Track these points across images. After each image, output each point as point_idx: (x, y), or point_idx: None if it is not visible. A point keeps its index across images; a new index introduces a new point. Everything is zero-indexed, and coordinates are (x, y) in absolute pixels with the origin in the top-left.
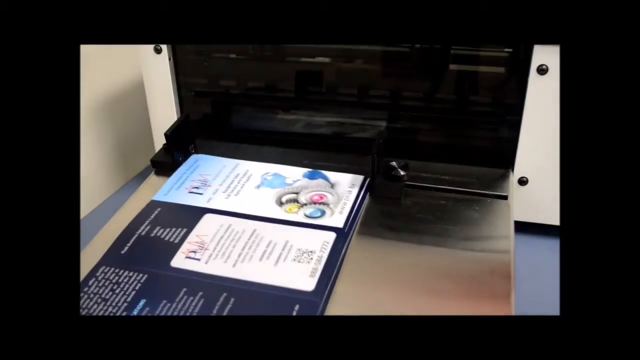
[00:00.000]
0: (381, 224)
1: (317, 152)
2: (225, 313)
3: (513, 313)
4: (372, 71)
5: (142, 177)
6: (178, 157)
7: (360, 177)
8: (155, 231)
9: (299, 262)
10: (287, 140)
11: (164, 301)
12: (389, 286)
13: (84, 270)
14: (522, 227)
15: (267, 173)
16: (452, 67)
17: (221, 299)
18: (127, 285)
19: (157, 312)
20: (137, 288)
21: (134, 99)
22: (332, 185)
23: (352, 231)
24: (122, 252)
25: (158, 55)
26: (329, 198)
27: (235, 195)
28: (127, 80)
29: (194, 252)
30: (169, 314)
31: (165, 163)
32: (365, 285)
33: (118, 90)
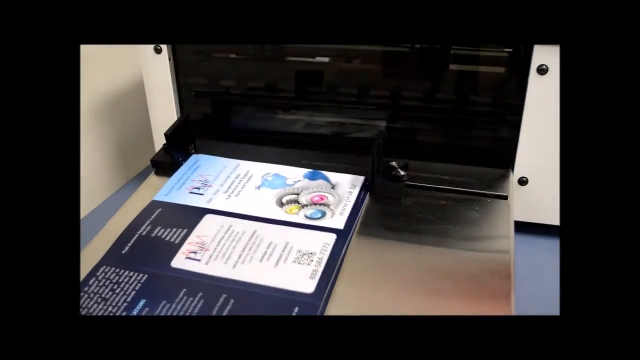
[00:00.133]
0: (381, 224)
1: (317, 152)
2: (224, 314)
3: (513, 313)
4: (372, 71)
5: (142, 177)
6: (178, 157)
7: (361, 178)
8: (155, 231)
9: (299, 263)
10: (287, 140)
11: (164, 301)
12: (389, 286)
13: (84, 270)
14: (522, 227)
15: (267, 173)
16: (452, 67)
17: (221, 300)
18: (127, 285)
19: (156, 312)
20: (137, 288)
21: (134, 99)
22: (333, 186)
23: (352, 232)
24: (123, 252)
25: (158, 55)
26: (330, 199)
27: (236, 195)
28: (127, 80)
29: (194, 252)
30: (168, 314)
31: (165, 163)
32: (365, 285)
33: (118, 90)
